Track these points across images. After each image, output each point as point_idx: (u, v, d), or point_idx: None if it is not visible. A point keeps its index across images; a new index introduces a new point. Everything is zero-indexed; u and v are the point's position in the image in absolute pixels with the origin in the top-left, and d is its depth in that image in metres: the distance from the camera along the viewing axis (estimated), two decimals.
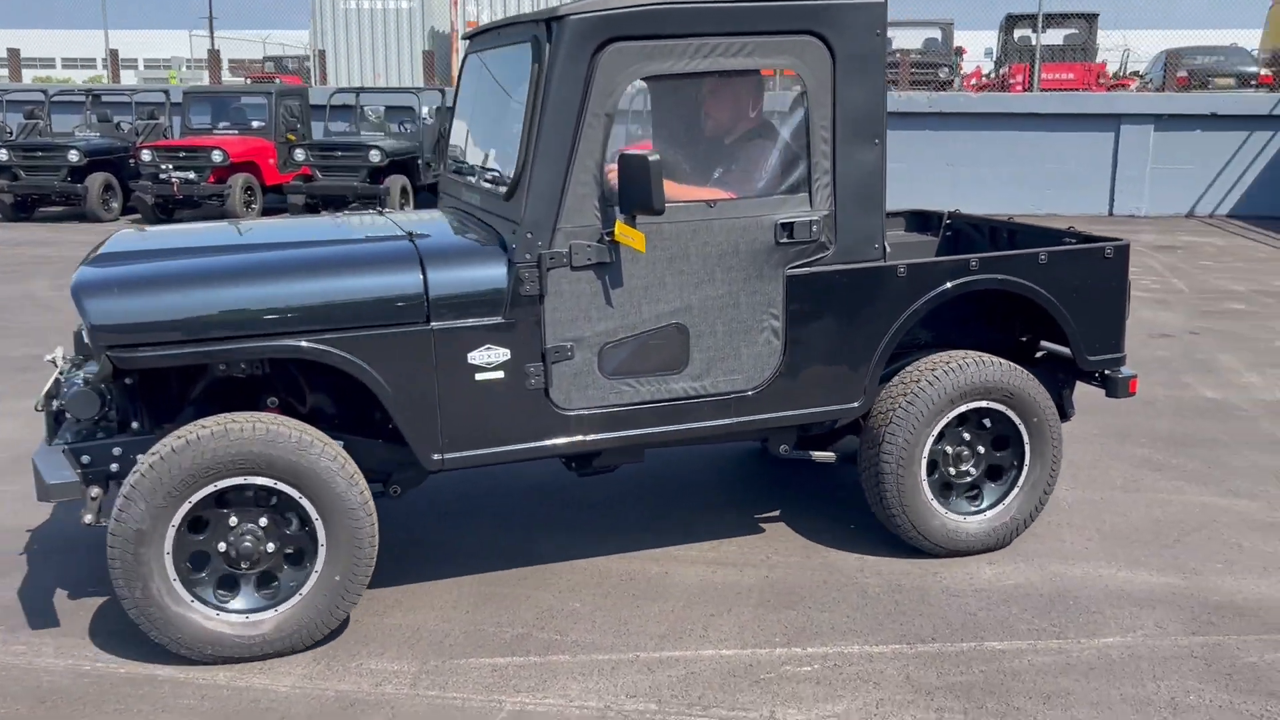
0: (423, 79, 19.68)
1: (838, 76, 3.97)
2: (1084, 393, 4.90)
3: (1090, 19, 20.22)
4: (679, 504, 5.06)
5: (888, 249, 4.20)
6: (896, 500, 4.30)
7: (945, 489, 4.42)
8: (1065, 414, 4.77)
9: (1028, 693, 3.49)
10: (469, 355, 3.73)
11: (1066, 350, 4.56)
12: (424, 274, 3.71)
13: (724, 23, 3.81)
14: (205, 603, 3.60)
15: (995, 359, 4.35)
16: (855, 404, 4.24)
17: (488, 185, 4.20)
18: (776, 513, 4.95)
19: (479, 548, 4.60)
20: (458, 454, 3.80)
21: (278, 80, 27.48)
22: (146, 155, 15.28)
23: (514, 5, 19.42)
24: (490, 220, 4.05)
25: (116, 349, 3.49)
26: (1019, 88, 18.83)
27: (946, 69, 19.67)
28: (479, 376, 3.75)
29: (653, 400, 3.98)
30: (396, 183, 15.15)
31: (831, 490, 5.23)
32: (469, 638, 3.84)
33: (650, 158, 3.56)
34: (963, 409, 4.31)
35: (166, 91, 17.93)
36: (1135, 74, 22.41)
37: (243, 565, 3.63)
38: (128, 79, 31.60)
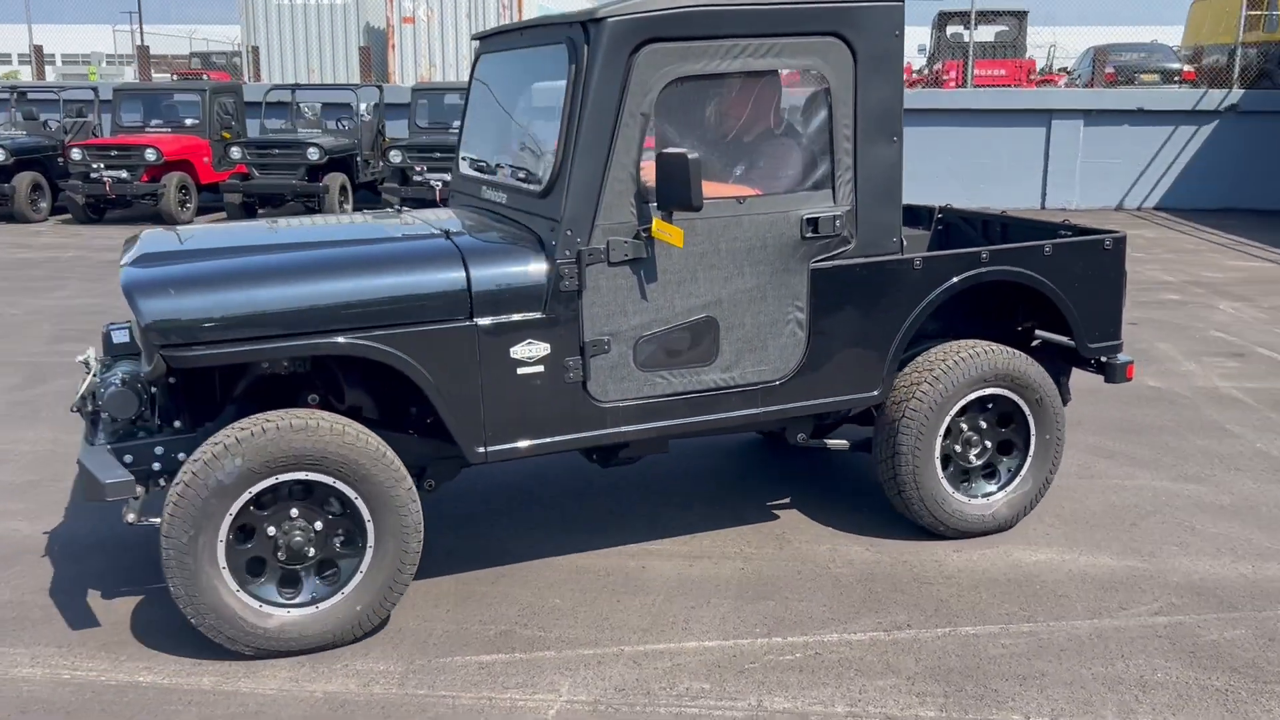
0: (359, 75, 19.48)
1: (859, 76, 4.13)
2: None
3: (1020, 16, 20.65)
4: (650, 499, 5.11)
5: (904, 242, 4.36)
6: (912, 484, 4.46)
7: (956, 473, 4.60)
8: (1064, 400, 4.97)
9: (1004, 675, 3.60)
10: (511, 350, 3.82)
11: (1063, 339, 4.76)
12: (466, 271, 3.78)
13: (753, 24, 3.96)
14: (257, 597, 3.64)
15: (1004, 348, 4.53)
16: (875, 392, 4.39)
17: (518, 183, 4.25)
18: (746, 505, 5.02)
19: (455, 548, 4.60)
20: (500, 447, 3.88)
21: (206, 77, 27.00)
22: (76, 154, 14.93)
23: (451, 2, 19.29)
24: (521, 218, 4.12)
25: (169, 348, 3.50)
26: (952, 84, 19.17)
27: None
28: (520, 371, 3.84)
29: (685, 391, 4.10)
30: (335, 181, 15.00)
31: (797, 482, 5.32)
32: (452, 637, 3.85)
33: (690, 156, 3.67)
34: (974, 395, 4.47)
35: (95, 88, 17.50)
36: (1064, 70, 22.91)
37: (292, 560, 3.67)
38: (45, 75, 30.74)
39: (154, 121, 16.29)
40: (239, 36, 22.11)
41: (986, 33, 20.69)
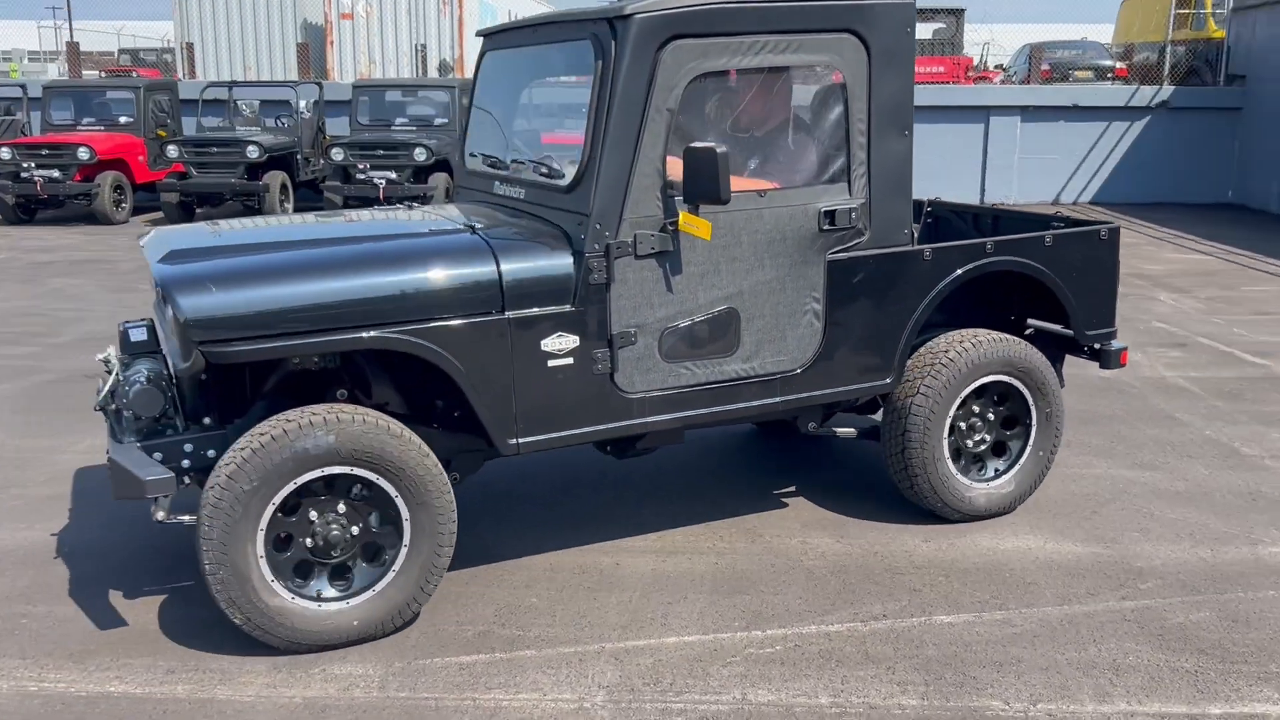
0: (297, 72, 19.20)
1: (873, 71, 4.24)
2: None
3: (958, 14, 20.95)
4: (619, 497, 5.10)
5: (915, 234, 4.45)
6: (921, 469, 4.56)
7: (961, 458, 4.71)
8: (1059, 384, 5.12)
9: (981, 662, 3.65)
10: (542, 343, 3.87)
11: (1057, 327, 4.91)
12: (497, 265, 3.82)
13: (772, 21, 4.05)
14: (294, 592, 3.64)
15: (1008, 336, 4.66)
16: (887, 380, 4.50)
17: (540, 178, 4.27)
18: (716, 501, 5.03)
19: None
20: (531, 438, 3.93)
21: (136, 74, 26.44)
22: (5, 153, 14.54)
23: None
24: (542, 212, 4.15)
25: (209, 344, 3.50)
26: None
27: None
28: (551, 363, 3.90)
29: (707, 382, 4.17)
30: (276, 179, 14.78)
31: (765, 476, 5.35)
32: (430, 638, 3.81)
33: (719, 150, 3.72)
34: (980, 382, 4.59)
35: (24, 86, 17.06)
36: (1000, 67, 23.28)
37: (330, 554, 3.68)
38: None
39: (86, 119, 15.93)
40: (170, 33, 21.70)
41: (924, 30, 20.97)
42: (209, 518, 3.47)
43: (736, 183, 4.13)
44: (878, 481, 5.25)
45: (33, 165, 14.52)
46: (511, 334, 3.81)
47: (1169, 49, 17.66)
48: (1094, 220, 4.97)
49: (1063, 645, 3.75)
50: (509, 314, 3.81)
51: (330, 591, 3.72)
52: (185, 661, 3.65)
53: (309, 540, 3.66)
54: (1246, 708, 3.38)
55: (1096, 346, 4.96)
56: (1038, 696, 3.43)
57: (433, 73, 19.32)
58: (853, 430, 4.85)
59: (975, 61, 23.26)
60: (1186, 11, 18.69)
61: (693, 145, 3.80)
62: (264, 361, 3.86)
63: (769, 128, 4.45)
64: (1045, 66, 18.58)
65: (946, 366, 4.51)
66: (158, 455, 3.72)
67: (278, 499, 3.54)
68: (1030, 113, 17.01)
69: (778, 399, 4.31)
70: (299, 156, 15.68)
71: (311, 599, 3.67)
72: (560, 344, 3.89)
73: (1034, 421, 4.76)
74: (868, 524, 4.76)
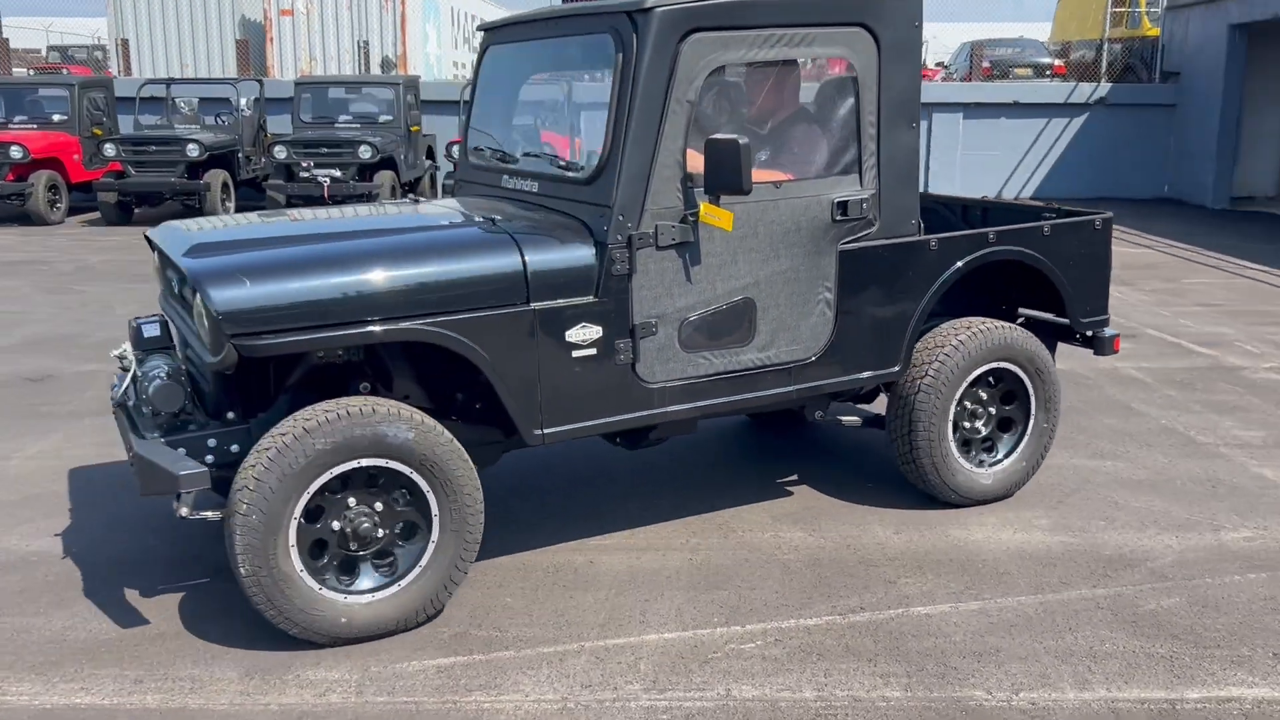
0: (236, 69, 18.86)
1: (882, 64, 4.30)
2: None
3: None
4: (589, 494, 5.05)
5: (921, 225, 4.52)
6: (927, 455, 4.65)
7: (965, 444, 4.79)
8: None
9: (961, 653, 3.66)
10: (567, 333, 3.89)
11: (1050, 315, 5.02)
12: (522, 256, 3.83)
13: (787, 14, 4.11)
14: (325, 585, 3.63)
15: (1008, 324, 4.76)
16: (896, 368, 4.57)
17: (557, 171, 4.29)
18: (686, 496, 5.00)
19: None
20: (556, 429, 3.96)
21: (66, 71, 25.81)
22: None
23: None
24: (560, 205, 4.16)
25: (241, 337, 3.47)
26: None
27: None
28: (575, 353, 3.92)
29: (724, 371, 4.22)
30: (217, 178, 14.50)
31: (733, 470, 5.33)
32: (405, 641, 3.74)
33: (741, 142, 3.75)
34: (984, 369, 4.68)
35: None
36: (940, 64, 23.56)
37: (358, 547, 3.67)
38: None
39: (18, 118, 15.48)
40: (102, 30, 21.21)
41: None
42: (243, 509, 3.44)
43: (753, 174, 4.15)
44: (845, 473, 5.26)
45: None
46: (537, 325, 3.84)
47: (1105, 47, 17.98)
48: (1087, 211, 5.05)
49: (1040, 634, 3.78)
50: (534, 305, 3.83)
51: (361, 583, 3.70)
52: (153, 670, 3.54)
53: (340, 532, 3.64)
54: (1223, 691, 3.42)
55: (1090, 334, 5.05)
56: (1019, 686, 3.45)
57: (375, 69, 19.09)
58: (857, 419, 4.93)
59: None
60: (1122, 10, 19.05)
61: (715, 137, 3.84)
62: (289, 355, 3.82)
63: (782, 119, 4.50)
64: (986, 64, 18.84)
65: (951, 354, 4.59)
66: (181, 450, 3.68)
67: (312, 488, 3.52)
68: (972, 110, 17.23)
69: (791, 388, 4.37)
70: (240, 155, 15.40)
71: (342, 590, 3.66)
72: (585, 334, 3.91)
73: (1033, 407, 4.87)
74: (838, 516, 4.76)
